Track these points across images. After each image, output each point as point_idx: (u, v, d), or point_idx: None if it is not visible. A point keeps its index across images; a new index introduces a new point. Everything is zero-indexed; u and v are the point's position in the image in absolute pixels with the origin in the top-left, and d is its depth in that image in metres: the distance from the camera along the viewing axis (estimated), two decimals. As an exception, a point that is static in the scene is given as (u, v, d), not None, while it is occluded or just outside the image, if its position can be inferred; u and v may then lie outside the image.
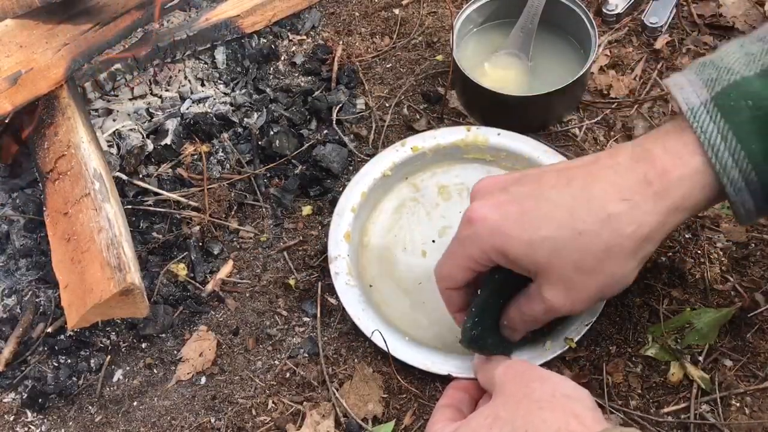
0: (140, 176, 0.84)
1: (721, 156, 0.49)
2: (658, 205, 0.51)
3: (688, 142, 0.51)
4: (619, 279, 0.54)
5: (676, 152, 0.51)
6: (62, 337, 0.73)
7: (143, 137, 0.86)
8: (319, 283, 0.74)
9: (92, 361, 0.72)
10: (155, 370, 0.72)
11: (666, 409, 0.63)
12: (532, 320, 0.58)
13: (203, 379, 0.70)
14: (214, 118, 0.88)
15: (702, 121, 0.50)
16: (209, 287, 0.76)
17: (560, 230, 0.52)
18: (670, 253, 0.72)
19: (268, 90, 0.91)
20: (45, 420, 0.69)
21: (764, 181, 0.50)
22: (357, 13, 0.99)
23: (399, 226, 0.77)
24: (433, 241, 0.75)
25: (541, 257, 0.53)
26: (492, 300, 0.60)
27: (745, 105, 0.49)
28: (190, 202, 0.82)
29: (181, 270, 0.76)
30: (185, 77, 0.94)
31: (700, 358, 0.65)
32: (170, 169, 0.85)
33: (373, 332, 0.67)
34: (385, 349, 0.67)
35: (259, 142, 0.85)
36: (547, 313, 0.56)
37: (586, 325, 0.66)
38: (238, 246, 0.79)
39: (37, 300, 0.75)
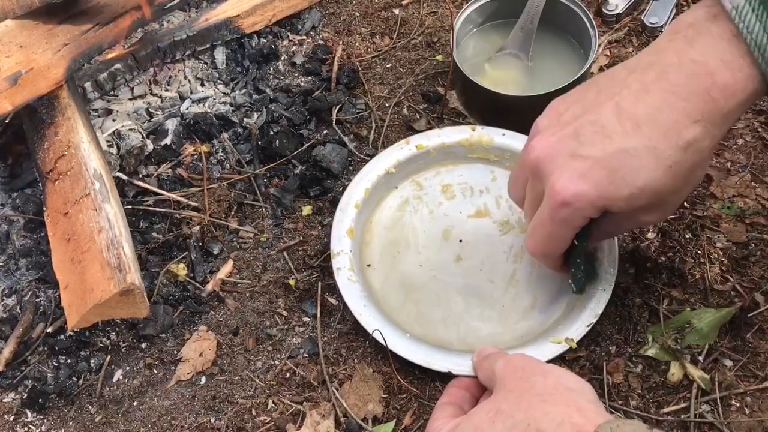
0: (140, 176, 0.84)
1: (758, 38, 0.50)
2: (725, 118, 0.53)
3: (735, 44, 0.51)
4: (699, 180, 0.58)
5: (729, 61, 0.51)
6: (62, 337, 0.73)
7: (143, 137, 0.86)
8: (319, 283, 0.74)
9: (92, 361, 0.72)
10: (155, 370, 0.72)
11: (666, 409, 0.63)
12: (615, 235, 0.65)
13: (203, 379, 0.70)
14: (214, 118, 0.88)
15: (747, 21, 0.50)
16: (209, 287, 0.76)
17: (653, 173, 0.54)
18: (670, 253, 0.72)
19: (268, 90, 0.91)
20: (45, 420, 0.69)
21: None
22: (357, 13, 0.99)
23: (402, 224, 0.77)
24: (436, 240, 0.75)
25: (645, 200, 0.55)
26: (586, 242, 0.62)
27: None
28: (190, 202, 0.82)
29: (181, 270, 0.77)
30: (185, 77, 0.94)
31: (700, 358, 0.65)
32: (170, 169, 0.85)
33: (373, 331, 0.67)
34: (384, 344, 0.66)
35: (259, 142, 0.85)
36: (637, 228, 0.62)
37: (587, 326, 0.66)
38: (238, 246, 0.79)
39: (37, 300, 0.75)
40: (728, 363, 0.65)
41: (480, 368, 0.62)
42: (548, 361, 0.64)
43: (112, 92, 0.90)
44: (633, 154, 0.53)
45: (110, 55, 0.87)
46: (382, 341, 0.67)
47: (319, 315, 0.72)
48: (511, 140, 0.79)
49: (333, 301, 0.73)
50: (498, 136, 0.79)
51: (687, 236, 0.74)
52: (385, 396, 0.67)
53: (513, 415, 0.51)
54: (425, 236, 0.76)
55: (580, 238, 0.60)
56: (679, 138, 0.53)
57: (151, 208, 0.81)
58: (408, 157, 0.79)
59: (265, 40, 0.96)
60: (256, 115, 0.89)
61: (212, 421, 0.67)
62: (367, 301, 0.70)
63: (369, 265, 0.74)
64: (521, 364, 0.57)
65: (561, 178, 0.55)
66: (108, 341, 0.73)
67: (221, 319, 0.74)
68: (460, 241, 0.75)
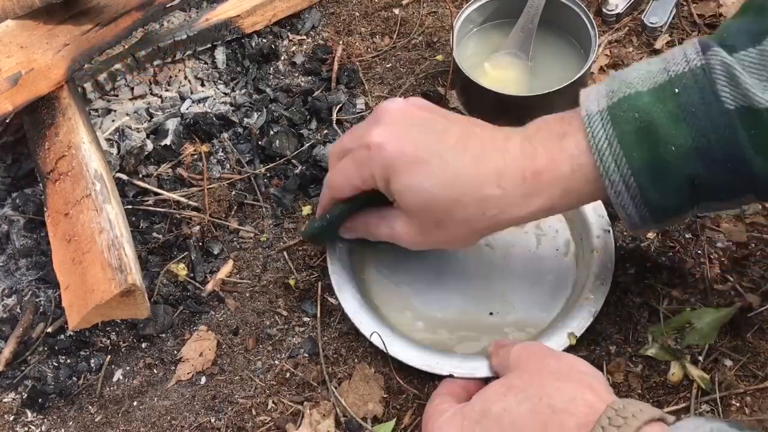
0: (140, 176, 0.84)
1: (605, 159, 0.54)
2: (526, 201, 0.57)
3: (580, 143, 0.56)
4: (460, 242, 0.63)
5: (556, 156, 0.56)
6: (62, 337, 0.73)
7: (143, 137, 0.86)
8: (319, 283, 0.74)
9: (92, 361, 0.72)
10: (155, 370, 0.72)
11: (666, 409, 0.63)
12: (373, 236, 0.66)
13: (203, 379, 0.70)
14: (214, 118, 0.88)
15: (594, 127, 0.55)
16: (209, 287, 0.76)
17: (440, 190, 0.58)
18: (670, 253, 0.73)
19: (268, 90, 0.91)
20: (45, 420, 0.69)
21: (642, 186, 0.54)
22: (357, 13, 0.99)
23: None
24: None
25: (415, 203, 0.60)
26: (349, 211, 0.66)
27: (633, 116, 0.54)
28: (190, 202, 0.82)
29: (181, 270, 0.77)
30: (185, 77, 0.94)
31: (700, 358, 0.65)
32: (170, 169, 0.85)
33: (372, 333, 0.67)
34: (385, 350, 0.67)
35: (259, 142, 0.85)
36: (389, 238, 0.64)
37: (593, 316, 0.66)
38: (238, 246, 0.79)
39: (37, 300, 0.76)
40: (728, 363, 0.65)
41: (495, 355, 0.62)
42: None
43: (112, 92, 0.91)
44: (443, 165, 0.58)
45: (110, 55, 0.88)
46: (381, 346, 0.67)
47: (319, 315, 0.72)
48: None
49: (333, 301, 0.73)
50: None
51: (687, 236, 0.74)
52: (385, 396, 0.67)
53: (525, 390, 0.52)
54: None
55: (348, 201, 0.65)
56: (479, 188, 0.58)
57: (151, 208, 0.81)
58: None
59: (265, 40, 0.96)
60: (256, 115, 0.89)
61: (212, 421, 0.67)
62: (365, 306, 0.70)
63: (365, 270, 0.74)
64: (536, 349, 0.58)
65: (382, 128, 0.60)
66: (108, 341, 0.73)
67: (221, 319, 0.74)
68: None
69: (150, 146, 0.86)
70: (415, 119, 0.61)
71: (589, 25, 0.82)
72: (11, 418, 0.70)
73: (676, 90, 0.53)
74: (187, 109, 0.90)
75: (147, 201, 0.82)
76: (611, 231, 0.72)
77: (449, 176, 0.58)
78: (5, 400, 0.71)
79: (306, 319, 0.73)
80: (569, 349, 0.66)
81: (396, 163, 0.58)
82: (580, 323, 0.66)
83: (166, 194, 0.82)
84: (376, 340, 0.67)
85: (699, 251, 0.72)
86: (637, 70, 0.57)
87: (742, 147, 0.52)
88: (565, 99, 0.82)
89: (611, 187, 0.55)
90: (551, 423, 0.48)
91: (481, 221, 0.59)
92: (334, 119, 0.87)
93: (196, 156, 0.86)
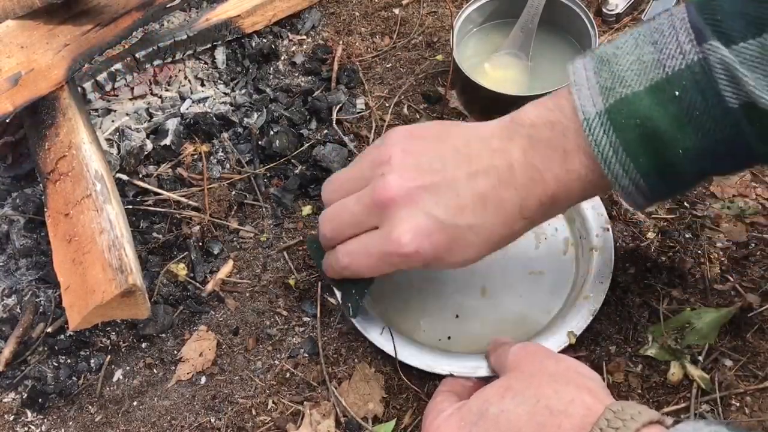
0: (140, 176, 0.84)
1: (613, 167, 0.54)
2: (546, 218, 0.60)
3: (583, 161, 0.55)
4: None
5: (564, 179, 0.56)
6: (62, 337, 0.73)
7: (143, 137, 0.86)
8: (319, 283, 0.74)
9: (92, 361, 0.72)
10: (155, 370, 0.72)
11: (666, 409, 0.63)
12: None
13: (203, 379, 0.70)
14: (214, 118, 0.88)
15: (596, 134, 0.54)
16: (209, 287, 0.76)
17: (479, 250, 0.59)
18: (670, 253, 0.72)
19: (268, 90, 0.91)
20: (45, 420, 0.69)
21: (652, 186, 0.55)
22: (357, 13, 0.99)
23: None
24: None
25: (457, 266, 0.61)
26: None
27: (634, 123, 0.53)
28: (190, 202, 0.82)
29: (181, 270, 0.77)
30: (185, 77, 0.94)
31: (700, 358, 0.65)
32: (170, 169, 0.85)
33: (383, 329, 0.67)
34: (391, 353, 0.67)
35: (259, 142, 0.85)
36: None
37: (591, 315, 0.66)
38: (238, 246, 0.79)
39: (37, 300, 0.76)
40: (728, 363, 0.65)
41: (494, 354, 0.63)
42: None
43: (112, 92, 0.91)
44: (474, 231, 0.58)
45: (110, 55, 0.88)
46: (384, 345, 0.67)
47: (319, 315, 0.72)
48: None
49: (333, 301, 0.73)
50: None
51: (687, 236, 0.74)
52: (386, 395, 0.67)
53: (523, 391, 0.52)
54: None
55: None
56: (510, 228, 0.58)
57: (151, 208, 0.81)
58: None
59: (265, 40, 0.96)
60: (256, 115, 0.89)
61: (212, 421, 0.67)
62: (367, 307, 0.70)
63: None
64: (534, 350, 0.58)
65: (408, 232, 0.57)
66: (108, 341, 0.73)
67: (221, 319, 0.74)
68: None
69: (150, 146, 0.86)
70: (423, 181, 0.58)
71: (589, 25, 0.82)
72: (11, 418, 0.70)
73: (677, 93, 0.52)
74: (187, 109, 0.90)
75: (147, 201, 0.82)
76: (611, 230, 0.72)
77: (484, 241, 0.58)
78: (5, 400, 0.71)
79: (306, 319, 0.73)
80: (569, 348, 0.66)
81: (436, 257, 0.58)
82: (579, 322, 0.66)
83: (166, 194, 0.82)
84: (382, 339, 0.67)
85: (699, 251, 0.72)
86: (627, 57, 0.54)
87: (747, 139, 0.51)
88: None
89: (622, 190, 0.55)
90: (549, 425, 0.48)
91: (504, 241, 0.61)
92: (334, 119, 0.87)
93: (196, 156, 0.86)
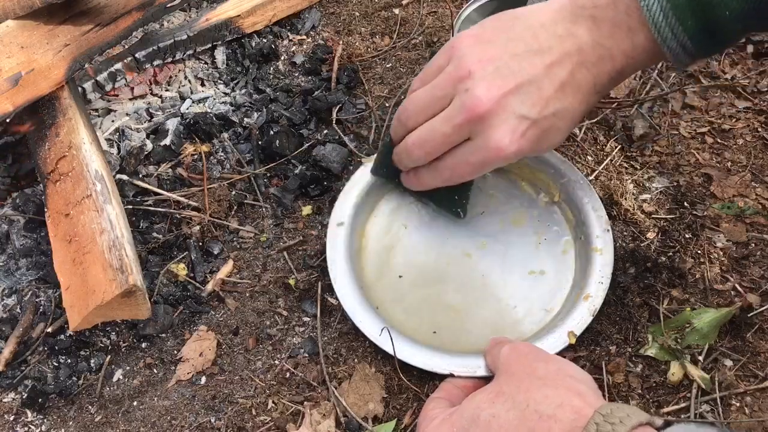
0: (140, 176, 0.84)
1: (663, 30, 0.57)
2: (615, 85, 0.63)
3: (648, 36, 0.58)
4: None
5: (631, 54, 0.59)
6: (62, 337, 0.73)
7: (143, 137, 0.86)
8: (319, 283, 0.74)
9: (92, 361, 0.72)
10: (155, 370, 0.72)
11: (666, 409, 0.63)
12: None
13: (203, 379, 0.70)
14: (214, 118, 0.88)
15: (649, 2, 0.57)
16: (209, 287, 0.76)
17: (565, 133, 0.63)
18: (670, 253, 0.72)
19: (268, 90, 0.91)
20: (45, 420, 0.69)
21: (697, 46, 0.58)
22: (357, 13, 0.99)
23: (397, 227, 0.77)
24: (432, 244, 0.75)
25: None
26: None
27: None
28: (190, 202, 0.82)
29: (181, 270, 0.77)
30: (185, 77, 0.94)
31: (700, 358, 0.65)
32: (170, 169, 0.85)
33: (382, 329, 0.67)
34: (391, 352, 0.67)
35: (259, 142, 0.85)
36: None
37: (591, 315, 0.66)
38: (238, 246, 0.79)
39: (37, 300, 0.76)
40: (728, 363, 0.65)
41: (489, 354, 0.63)
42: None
43: (112, 92, 0.91)
44: (559, 117, 0.61)
45: (110, 55, 0.88)
46: (384, 345, 0.67)
47: (319, 315, 0.72)
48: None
49: (333, 300, 0.73)
50: None
51: (687, 236, 0.74)
52: (386, 395, 0.67)
53: (513, 396, 0.52)
54: (421, 239, 0.76)
55: None
56: (587, 104, 0.62)
57: (151, 208, 0.81)
58: None
59: (265, 40, 0.96)
60: (256, 115, 0.89)
61: (212, 421, 0.67)
62: (366, 306, 0.70)
63: (365, 270, 0.74)
64: (525, 351, 0.59)
65: (505, 137, 0.61)
66: (108, 341, 0.73)
67: (221, 319, 0.74)
68: (458, 243, 0.75)
69: (150, 146, 0.86)
70: (507, 86, 0.61)
71: (589, 25, 0.82)
72: (11, 418, 0.70)
73: None
74: (187, 109, 0.90)
75: (147, 201, 0.82)
76: (611, 231, 0.72)
77: (569, 122, 0.62)
78: (5, 400, 0.71)
79: (306, 319, 0.73)
80: (569, 348, 0.66)
81: (532, 151, 0.62)
82: (579, 322, 0.66)
83: (166, 194, 0.82)
84: (382, 338, 0.67)
85: (699, 251, 0.72)
86: None
87: None
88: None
89: (669, 51, 0.58)
90: (538, 430, 0.49)
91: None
92: (334, 119, 0.87)
93: (196, 156, 0.86)
